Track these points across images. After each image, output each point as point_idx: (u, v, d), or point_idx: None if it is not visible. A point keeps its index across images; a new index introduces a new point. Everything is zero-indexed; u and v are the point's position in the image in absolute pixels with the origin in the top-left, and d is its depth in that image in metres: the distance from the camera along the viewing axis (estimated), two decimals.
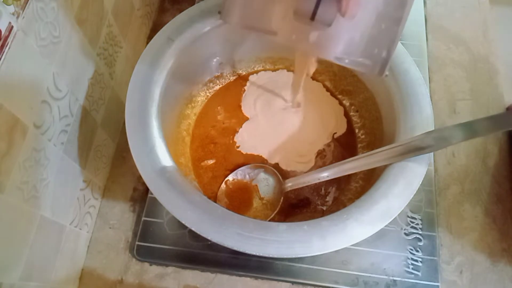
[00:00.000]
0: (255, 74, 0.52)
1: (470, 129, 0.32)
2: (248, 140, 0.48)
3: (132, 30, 0.51)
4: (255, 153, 0.47)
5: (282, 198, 0.43)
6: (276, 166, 0.46)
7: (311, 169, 0.46)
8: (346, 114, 0.50)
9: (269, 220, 0.43)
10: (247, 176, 0.46)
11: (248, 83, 0.52)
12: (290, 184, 0.43)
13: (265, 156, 0.47)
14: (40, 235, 0.34)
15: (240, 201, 0.44)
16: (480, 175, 0.50)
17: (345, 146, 0.48)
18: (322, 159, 0.47)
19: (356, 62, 0.30)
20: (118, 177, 0.49)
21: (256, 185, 0.45)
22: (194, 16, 0.41)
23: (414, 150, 0.34)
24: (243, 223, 0.32)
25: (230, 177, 0.45)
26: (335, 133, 0.49)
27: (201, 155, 0.48)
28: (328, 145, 0.48)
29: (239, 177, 0.46)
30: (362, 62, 0.30)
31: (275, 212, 0.43)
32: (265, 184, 0.45)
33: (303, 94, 0.51)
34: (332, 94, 0.51)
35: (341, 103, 0.50)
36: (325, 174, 0.40)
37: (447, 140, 0.33)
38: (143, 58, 0.39)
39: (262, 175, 0.46)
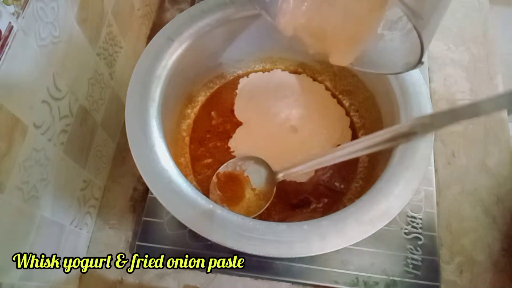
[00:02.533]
0: (245, 77, 0.52)
1: (454, 115, 0.33)
2: (242, 146, 0.48)
3: (132, 30, 0.51)
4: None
5: (275, 188, 0.43)
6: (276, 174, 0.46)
7: (310, 180, 0.46)
8: (348, 114, 0.50)
9: (263, 216, 0.43)
10: (238, 167, 0.45)
11: (239, 86, 0.52)
12: (281, 175, 0.43)
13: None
14: (40, 235, 0.34)
15: (232, 192, 0.44)
16: (480, 175, 0.50)
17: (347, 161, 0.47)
18: (322, 170, 0.46)
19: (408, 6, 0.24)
20: (118, 177, 0.49)
21: (248, 176, 0.45)
22: (194, 16, 0.41)
23: (401, 136, 0.35)
24: (243, 223, 0.32)
25: (221, 170, 0.45)
26: (339, 144, 0.48)
27: (201, 155, 0.48)
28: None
29: (230, 169, 0.45)
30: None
31: (269, 202, 0.43)
32: (257, 175, 0.45)
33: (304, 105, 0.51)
34: (332, 94, 0.51)
35: (341, 103, 0.50)
36: (314, 162, 0.40)
37: (432, 126, 0.34)
38: (143, 58, 0.39)
39: (253, 166, 0.45)
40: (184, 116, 0.49)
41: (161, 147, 0.35)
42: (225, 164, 0.45)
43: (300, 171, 0.42)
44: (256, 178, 0.45)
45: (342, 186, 0.46)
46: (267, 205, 0.43)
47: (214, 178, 0.45)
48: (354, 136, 0.48)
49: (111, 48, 0.45)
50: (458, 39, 0.59)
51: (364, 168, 0.46)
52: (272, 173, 0.44)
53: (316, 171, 0.46)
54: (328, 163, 0.40)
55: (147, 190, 0.48)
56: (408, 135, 0.34)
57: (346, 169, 0.47)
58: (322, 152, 0.41)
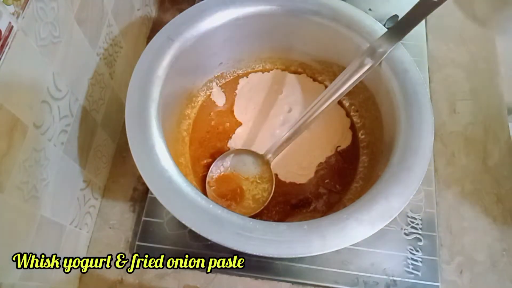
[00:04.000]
0: (245, 77, 0.52)
1: (398, 31, 0.38)
2: (242, 147, 0.47)
3: (132, 30, 0.51)
4: None
5: (270, 168, 0.44)
6: (275, 176, 0.46)
7: (310, 181, 0.46)
8: (348, 114, 0.50)
9: (263, 216, 0.43)
10: (222, 168, 0.45)
11: (238, 87, 0.51)
12: (270, 156, 0.44)
13: None
14: (40, 235, 0.34)
15: (232, 192, 0.44)
16: (480, 175, 0.50)
17: (346, 159, 0.47)
18: (322, 171, 0.47)
19: None
20: (118, 177, 0.49)
21: (234, 171, 0.45)
22: (194, 16, 0.41)
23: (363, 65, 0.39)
24: (243, 223, 0.32)
25: (208, 178, 0.45)
26: (339, 146, 0.48)
27: (201, 155, 0.48)
28: (330, 157, 0.47)
29: (215, 174, 0.45)
30: None
31: (274, 184, 0.44)
32: (242, 165, 0.45)
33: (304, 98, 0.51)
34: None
35: (341, 104, 0.50)
36: (299, 125, 0.41)
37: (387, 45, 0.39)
38: (143, 58, 0.39)
39: (234, 160, 0.45)
40: (184, 116, 0.49)
41: (161, 147, 0.35)
42: (209, 171, 0.45)
43: (287, 145, 0.43)
44: (243, 168, 0.45)
45: (341, 187, 0.46)
46: (273, 186, 0.44)
47: (208, 190, 0.45)
48: (354, 137, 0.48)
49: (111, 48, 0.45)
50: (458, 39, 0.59)
51: (364, 168, 0.46)
52: (258, 156, 0.45)
53: (316, 172, 0.46)
54: (311, 117, 0.41)
55: (147, 190, 0.48)
56: (365, 66, 0.39)
57: (346, 169, 0.47)
58: (301, 116, 0.42)
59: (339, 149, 0.48)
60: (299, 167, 0.47)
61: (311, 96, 0.50)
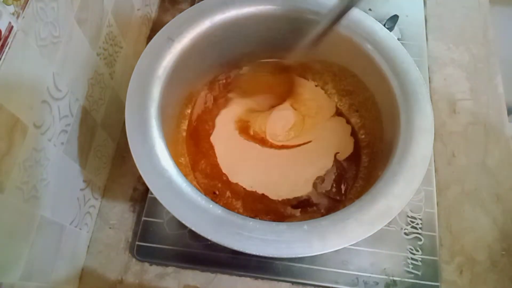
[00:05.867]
0: (244, 77, 0.51)
1: None
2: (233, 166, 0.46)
3: (132, 30, 0.51)
4: (240, 183, 0.45)
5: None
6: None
7: (308, 193, 0.45)
8: (347, 115, 0.50)
9: (262, 216, 0.43)
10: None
11: (238, 87, 0.50)
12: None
13: (247, 187, 0.45)
14: (40, 235, 0.34)
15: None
16: (480, 175, 0.50)
17: (346, 159, 0.46)
18: (321, 184, 0.45)
19: None
20: (118, 177, 0.49)
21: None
22: (194, 16, 0.41)
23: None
24: (243, 223, 0.32)
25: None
26: (338, 153, 0.47)
27: (201, 155, 0.48)
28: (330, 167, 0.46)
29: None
30: None
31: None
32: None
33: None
34: (332, 94, 0.51)
35: (341, 107, 0.50)
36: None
37: None
38: (143, 58, 0.39)
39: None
40: (184, 116, 0.49)
41: (161, 147, 0.35)
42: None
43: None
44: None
45: (342, 186, 0.45)
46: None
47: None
48: (355, 137, 0.48)
49: (111, 48, 0.45)
50: (458, 39, 0.59)
51: (364, 168, 0.46)
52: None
53: (314, 183, 0.46)
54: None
55: (147, 190, 0.48)
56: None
57: (346, 171, 0.46)
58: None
59: (340, 157, 0.47)
60: (295, 184, 0.45)
61: (312, 99, 0.51)
